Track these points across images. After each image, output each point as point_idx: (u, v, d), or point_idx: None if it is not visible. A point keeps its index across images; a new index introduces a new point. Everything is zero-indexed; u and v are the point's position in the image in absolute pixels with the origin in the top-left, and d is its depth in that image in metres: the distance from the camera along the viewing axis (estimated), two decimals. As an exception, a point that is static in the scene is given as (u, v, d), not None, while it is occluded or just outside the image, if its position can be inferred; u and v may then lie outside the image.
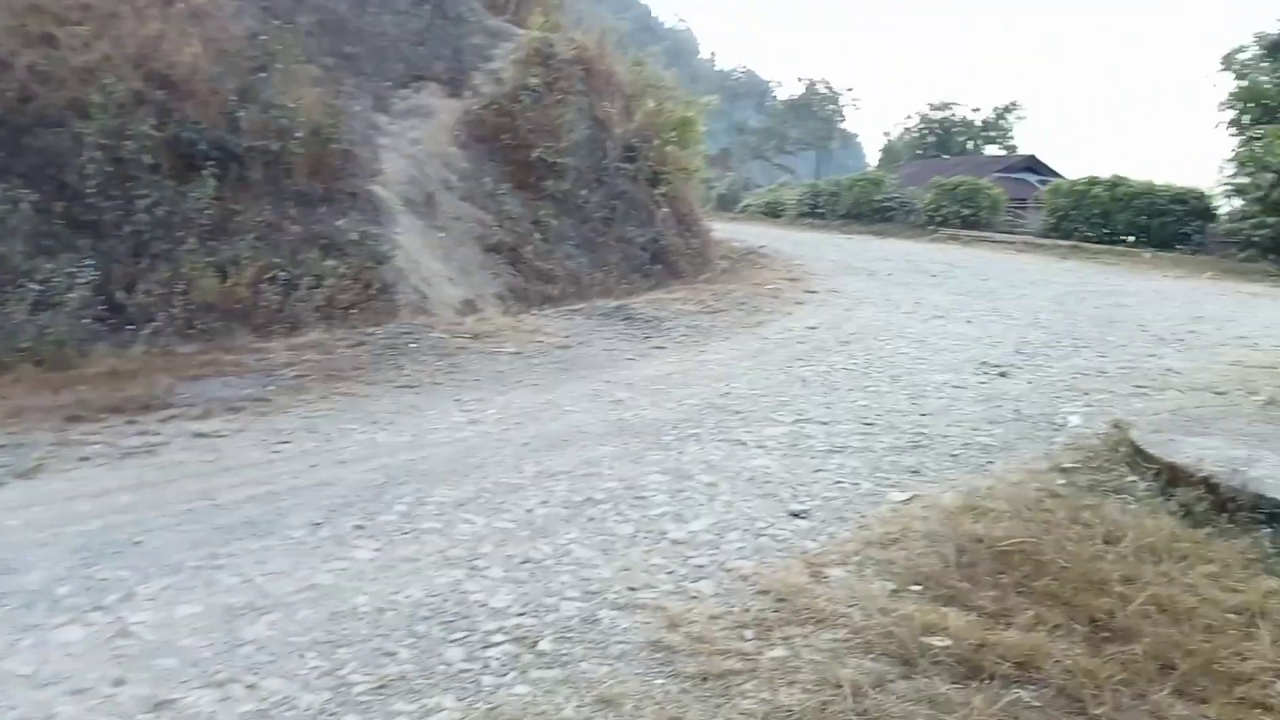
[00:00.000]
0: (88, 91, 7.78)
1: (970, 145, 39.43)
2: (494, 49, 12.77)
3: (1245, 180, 18.58)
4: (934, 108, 39.78)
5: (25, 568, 3.17)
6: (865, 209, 23.87)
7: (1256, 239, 17.30)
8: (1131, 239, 19.50)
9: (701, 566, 3.23)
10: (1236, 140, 20.66)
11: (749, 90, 78.32)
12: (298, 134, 9.25)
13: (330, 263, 8.78)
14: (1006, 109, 39.94)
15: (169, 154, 8.06)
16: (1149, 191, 19.58)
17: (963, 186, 22.46)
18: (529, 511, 3.76)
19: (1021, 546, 3.08)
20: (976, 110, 39.61)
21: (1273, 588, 2.77)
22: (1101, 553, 3.03)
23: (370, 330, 7.76)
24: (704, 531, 3.56)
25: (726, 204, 29.83)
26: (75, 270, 6.74)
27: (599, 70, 13.25)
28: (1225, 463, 3.64)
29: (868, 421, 5.39)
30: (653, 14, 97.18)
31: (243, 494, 3.97)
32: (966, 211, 22.16)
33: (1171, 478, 3.65)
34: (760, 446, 4.78)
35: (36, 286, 6.49)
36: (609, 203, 12.69)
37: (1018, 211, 23.70)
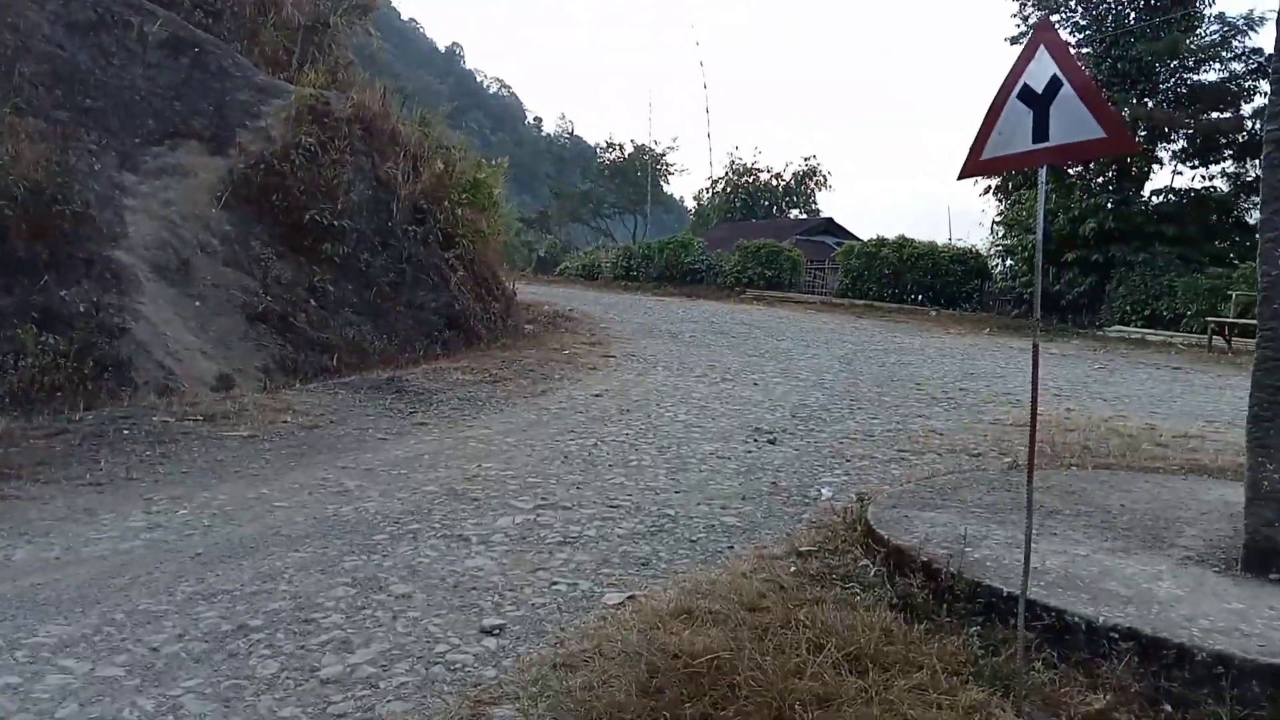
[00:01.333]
0: None
1: (775, 209, 41.05)
2: (263, 105, 11.94)
3: (1012, 241, 19.92)
4: (740, 173, 41.27)
5: None
6: (676, 271, 24.10)
7: (1027, 296, 18.48)
8: (919, 298, 20.45)
9: (340, 717, 2.62)
10: (1004, 203, 22.05)
11: (575, 155, 79.35)
12: (14, 194, 8.20)
13: (47, 338, 7.71)
14: (807, 174, 42.02)
15: None
16: (931, 252, 20.68)
17: (765, 249, 23.08)
18: (153, 650, 3.04)
19: (718, 663, 2.64)
20: (778, 176, 41.45)
21: (976, 701, 2.43)
22: (802, 665, 2.63)
23: (79, 416, 6.74)
24: (367, 664, 2.95)
25: (546, 266, 29.55)
26: None
27: (381, 129, 12.66)
28: (951, 542, 3.38)
29: (615, 503, 4.93)
30: (477, 79, 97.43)
31: None
32: (770, 273, 22.75)
33: (897, 561, 3.35)
34: (484, 542, 4.22)
35: None
36: (396, 267, 12.00)
37: (817, 272, 24.57)
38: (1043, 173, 2.86)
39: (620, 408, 7.98)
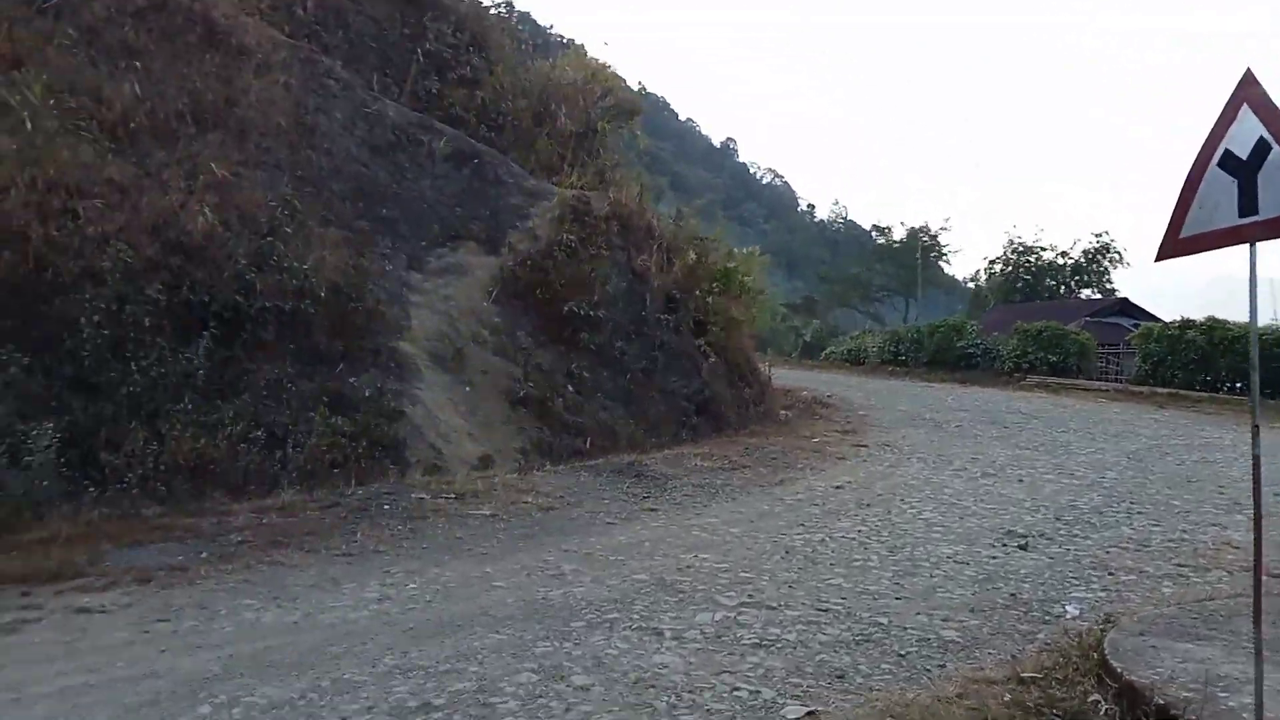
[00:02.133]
0: (100, 259, 8.01)
1: (1061, 289, 37.74)
2: (532, 208, 12.91)
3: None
4: (1020, 251, 38.52)
5: None
6: (948, 356, 22.83)
7: None
8: (1235, 386, 17.82)
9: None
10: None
11: (848, 239, 78.82)
12: (318, 294, 9.34)
13: (336, 420, 8.62)
14: (1100, 250, 38.36)
15: (173, 317, 8.16)
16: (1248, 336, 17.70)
17: (1048, 331, 21.26)
18: (341, 721, 3.18)
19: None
20: (1064, 255, 38.19)
21: None
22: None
23: (351, 491, 7.43)
24: (526, 757, 2.89)
25: (812, 351, 29.21)
26: (48, 430, 6.70)
27: (636, 225, 13.23)
28: (1201, 684, 2.78)
29: (825, 606, 4.61)
30: (751, 171, 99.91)
31: (56, 685, 3.54)
32: (1054, 358, 20.79)
33: (1131, 700, 2.80)
34: (677, 638, 4.08)
35: (3, 447, 6.45)
36: (648, 354, 12.34)
37: (1110, 358, 22.22)
38: (1253, 252, 2.35)
39: (860, 502, 7.56)
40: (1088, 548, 6.01)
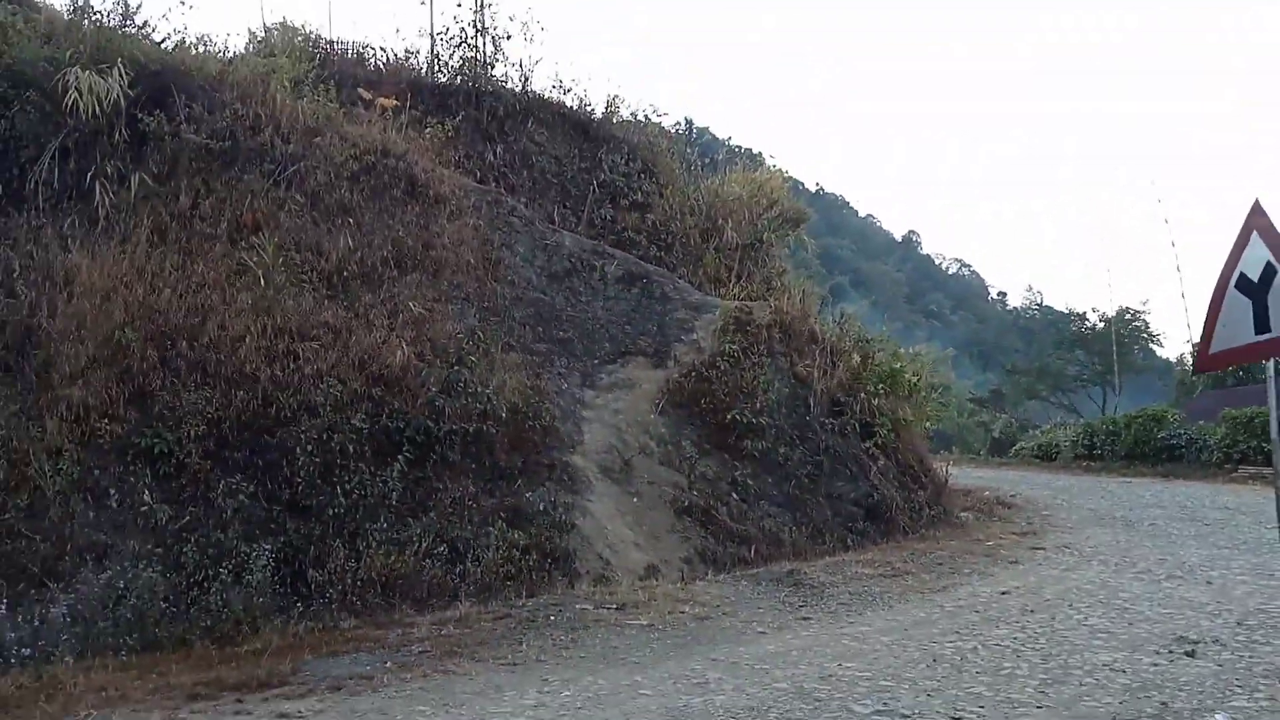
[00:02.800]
0: (315, 394, 9.22)
1: None
2: (695, 321, 13.52)
3: None
4: None
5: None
6: (1147, 448, 21.20)
7: None
8: None
9: None
10: None
11: (1044, 326, 75.15)
12: (500, 414, 10.22)
13: (513, 534, 9.31)
14: None
15: (373, 443, 9.21)
16: None
17: (1259, 418, 19.38)
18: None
19: None
20: None
21: None
22: None
23: (522, 602, 8.02)
24: None
25: (1002, 448, 27.90)
26: (265, 551, 7.71)
27: (799, 331, 13.53)
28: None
29: (959, 715, 4.63)
30: (935, 261, 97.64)
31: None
32: (1268, 447, 18.80)
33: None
34: (798, 747, 4.26)
35: (229, 567, 7.49)
36: (813, 459, 12.44)
37: None
38: (1270, 368, 2.46)
39: (1024, 608, 7.36)
40: (1265, 655, 5.63)
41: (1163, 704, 4.74)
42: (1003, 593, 8.04)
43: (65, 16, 10.67)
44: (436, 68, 17.87)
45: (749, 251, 17.98)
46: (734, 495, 11.55)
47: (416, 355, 10.27)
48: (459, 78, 17.22)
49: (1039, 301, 72.51)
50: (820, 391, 13.03)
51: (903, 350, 14.75)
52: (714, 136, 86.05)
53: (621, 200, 16.97)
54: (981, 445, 29.86)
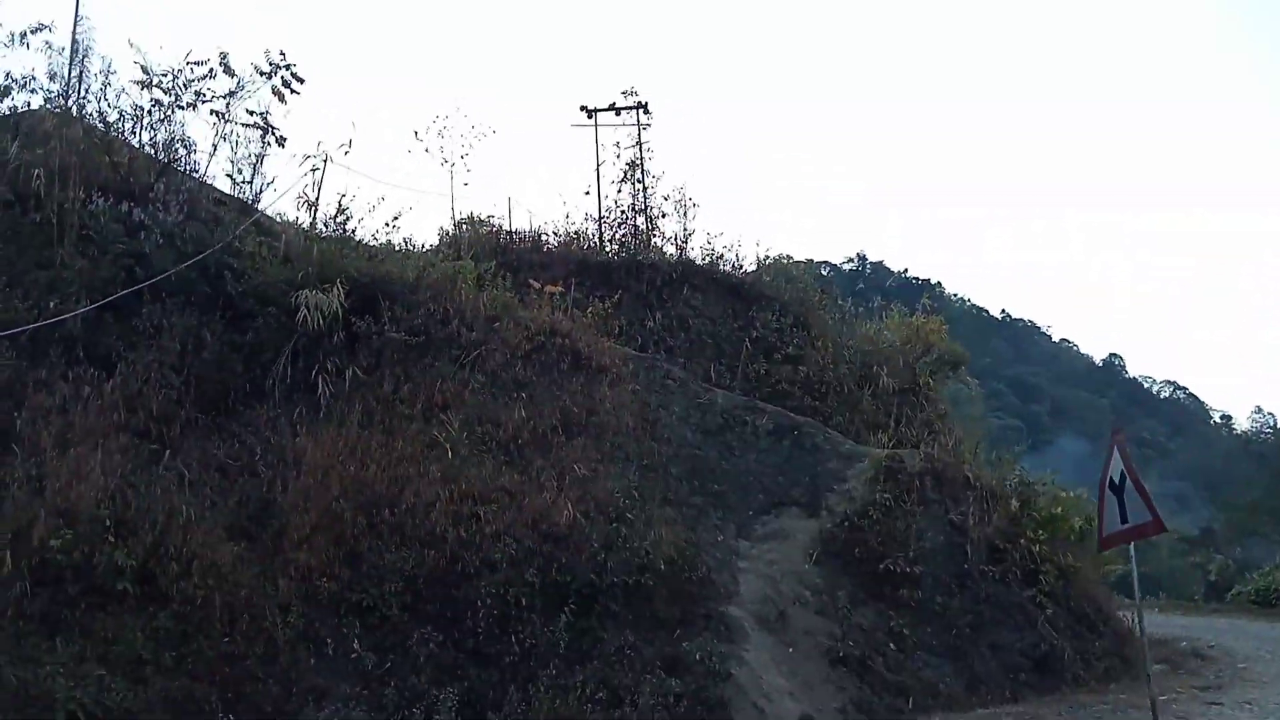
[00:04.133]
0: (494, 552, 10.47)
1: None
2: (848, 470, 14.04)
3: None
4: None
5: None
6: (1388, 595, 19.12)
7: None
8: None
9: None
10: None
11: (1277, 451, 68.35)
12: (658, 567, 11.08)
13: (670, 681, 9.99)
14: None
15: (544, 596, 10.28)
16: None
17: None
18: None
19: None
20: None
21: None
22: None
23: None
24: None
25: (1218, 592, 25.63)
26: (451, 694, 8.81)
27: (952, 477, 13.76)
28: None
29: None
30: (1144, 385, 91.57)
31: None
32: None
33: None
34: None
35: (421, 709, 8.62)
36: (974, 608, 12.47)
37: None
38: (1131, 549, 3.07)
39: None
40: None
41: None
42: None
43: (300, 241, 13.07)
44: (602, 246, 19.95)
45: (906, 397, 18.43)
46: (890, 645, 11.75)
47: (582, 513, 11.37)
48: (620, 254, 19.16)
49: (1273, 424, 66.09)
50: (977, 539, 13.12)
51: (1068, 494, 14.54)
52: (889, 270, 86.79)
53: (775, 354, 18.03)
54: (1197, 590, 27.56)
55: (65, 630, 8.17)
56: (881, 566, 12.28)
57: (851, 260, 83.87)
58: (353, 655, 8.94)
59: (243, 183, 14.13)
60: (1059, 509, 13.67)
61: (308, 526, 9.94)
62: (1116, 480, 3.52)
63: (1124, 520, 3.61)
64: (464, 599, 10.07)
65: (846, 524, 12.90)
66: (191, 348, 11.37)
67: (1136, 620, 4.69)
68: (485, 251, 17.02)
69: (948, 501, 13.53)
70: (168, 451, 10.19)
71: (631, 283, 18.54)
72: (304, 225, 14.25)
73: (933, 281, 79.22)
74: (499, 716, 8.98)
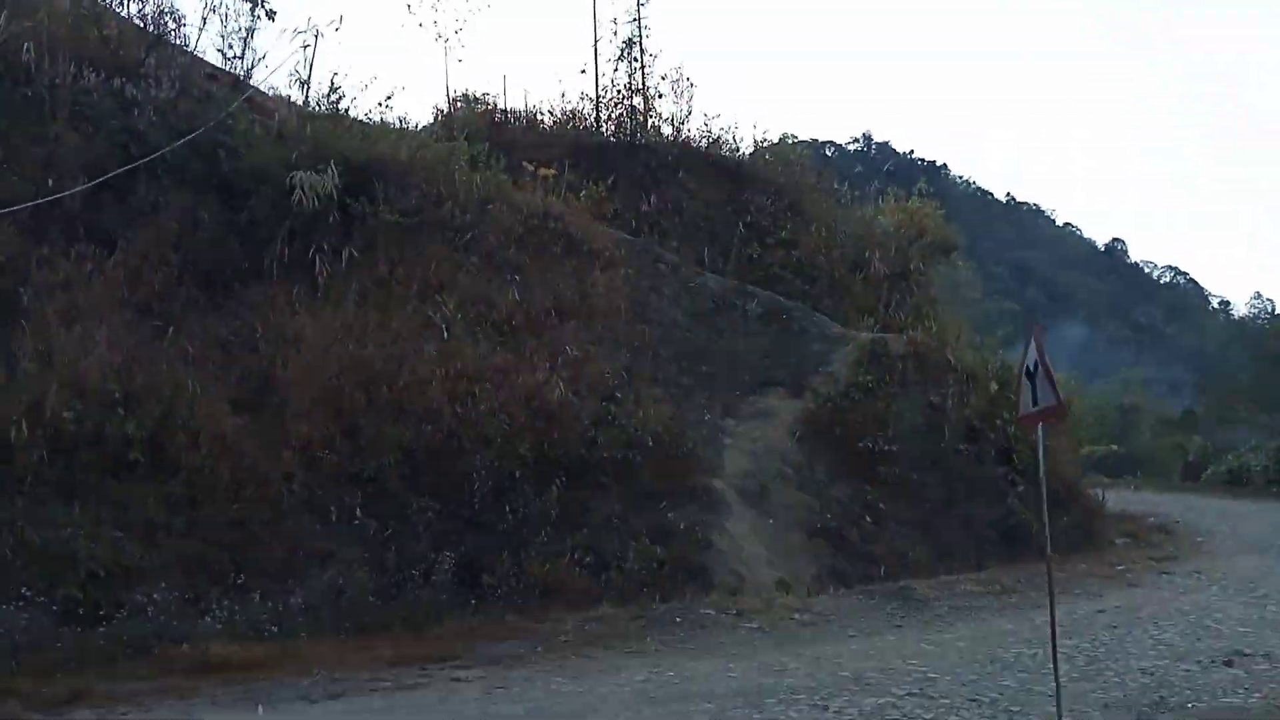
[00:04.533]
0: (488, 428, 10.93)
1: None
2: (832, 354, 14.42)
3: None
4: None
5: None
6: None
7: None
8: None
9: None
10: None
11: (1275, 337, 68.90)
12: (646, 443, 11.58)
13: (655, 549, 10.63)
14: None
15: (536, 470, 10.79)
16: None
17: None
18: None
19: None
20: None
21: None
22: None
23: (655, 607, 9.31)
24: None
25: (1195, 473, 26.53)
26: (448, 558, 9.42)
27: (934, 361, 14.13)
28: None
29: (978, 698, 5.53)
30: (1144, 271, 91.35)
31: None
32: None
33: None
34: (838, 713, 5.32)
35: (421, 570, 9.25)
36: (948, 484, 13.06)
37: None
38: (1040, 429, 3.44)
39: (1109, 624, 7.94)
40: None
41: (1159, 699, 5.42)
42: (1099, 611, 8.58)
43: (293, 119, 13.08)
44: (598, 127, 19.76)
45: (897, 281, 18.65)
46: (865, 518, 12.36)
47: (573, 392, 11.78)
48: (616, 136, 19.03)
49: (1271, 310, 66.15)
50: (955, 419, 13.61)
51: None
52: (894, 150, 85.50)
53: (768, 239, 18.09)
54: (1175, 470, 28.50)
55: (81, 496, 8.67)
56: (860, 444, 12.78)
57: (857, 140, 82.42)
58: (355, 522, 9.49)
59: (234, 58, 13.99)
60: (1035, 392, 14.09)
61: (308, 401, 10.35)
62: (1031, 369, 3.98)
63: (1035, 404, 4.10)
64: (460, 472, 10.55)
65: (829, 404, 13.34)
66: (189, 227, 11.56)
67: (1043, 494, 5.12)
68: (479, 131, 16.89)
69: (929, 384, 13.95)
70: (170, 328, 10.51)
71: (627, 165, 18.42)
72: (297, 103, 14.20)
73: (938, 164, 78.16)
74: (493, 578, 9.59)
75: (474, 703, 6.14)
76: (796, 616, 8.77)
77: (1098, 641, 7.24)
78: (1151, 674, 6.14)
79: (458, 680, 6.78)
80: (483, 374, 11.59)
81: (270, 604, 8.27)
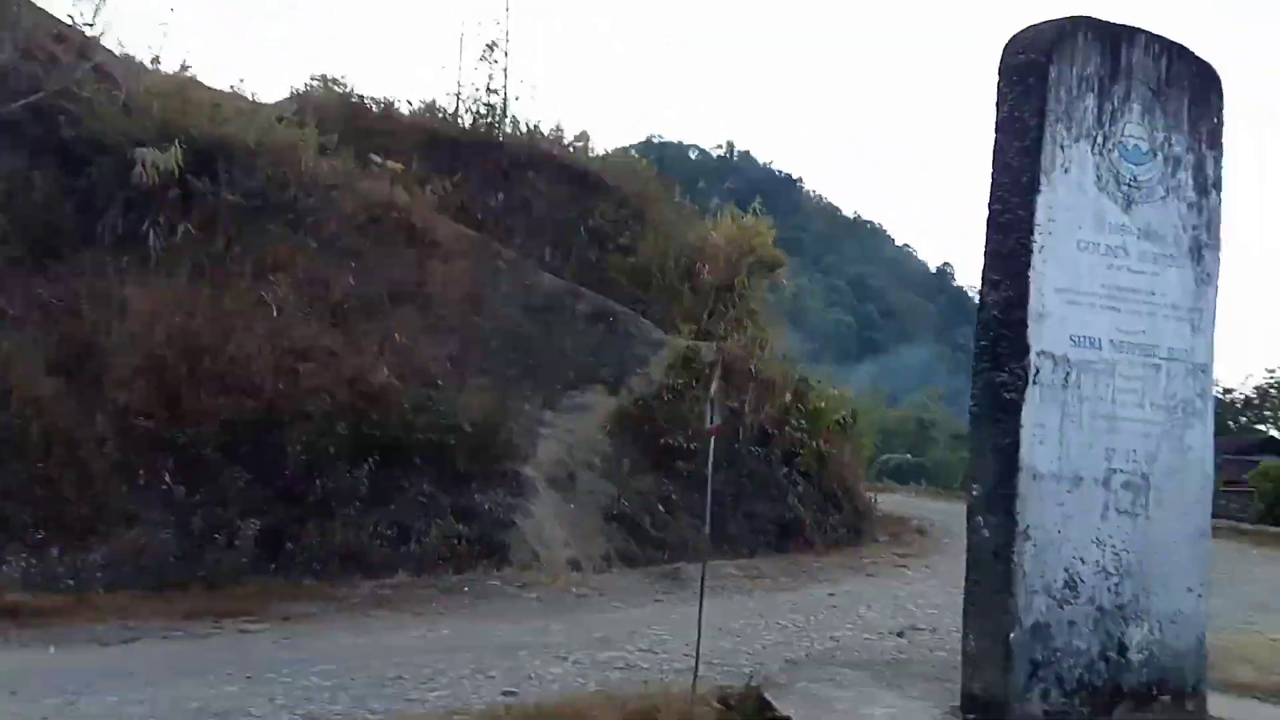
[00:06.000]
0: (309, 405, 11.55)
1: (1230, 423, 35.34)
2: (652, 356, 15.67)
3: None
4: None
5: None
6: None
7: None
8: None
9: None
10: None
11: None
12: (464, 429, 12.44)
13: (460, 526, 11.53)
14: (1274, 386, 35.72)
15: (353, 447, 11.48)
16: None
17: None
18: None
19: None
20: (1228, 391, 35.90)
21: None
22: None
23: (450, 578, 10.25)
24: None
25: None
26: (254, 524, 10.06)
27: (739, 369, 15.58)
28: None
29: (654, 650, 6.80)
30: (968, 293, 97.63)
31: (217, 664, 6.47)
32: None
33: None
34: (539, 658, 6.39)
35: (225, 535, 9.85)
36: (737, 481, 14.51)
37: (1236, 495, 21.31)
38: (711, 444, 4.66)
39: (829, 604, 9.42)
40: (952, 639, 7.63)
41: (832, 657, 6.79)
42: (829, 594, 10.07)
43: (141, 93, 13.26)
44: (455, 122, 20.40)
45: (723, 293, 20.14)
46: (660, 507, 13.66)
47: (398, 376, 12.54)
48: (472, 133, 19.73)
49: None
50: (750, 423, 15.13)
51: (836, 392, 16.72)
52: (755, 161, 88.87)
53: (609, 244, 19.22)
54: (958, 479, 31.58)
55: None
56: (663, 441, 14.08)
57: (720, 147, 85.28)
58: (164, 487, 9.97)
59: (84, 25, 13.94)
60: (824, 404, 15.78)
61: (129, 369, 10.73)
62: (713, 395, 5.27)
63: (711, 421, 5.38)
64: (276, 444, 11.11)
65: (641, 403, 14.57)
66: (21, 188, 11.66)
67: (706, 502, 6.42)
68: (333, 115, 17.28)
69: (732, 390, 15.39)
70: (-10, 287, 10.69)
71: (479, 162, 19.13)
72: (148, 74, 14.28)
73: (794, 177, 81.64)
74: (296, 546, 10.29)
75: (260, 649, 6.92)
76: (574, 590, 9.87)
77: (814, 616, 8.64)
78: (836, 640, 7.54)
79: (246, 632, 7.53)
80: (310, 353, 12.18)
81: (69, 559, 8.74)
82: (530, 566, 11.59)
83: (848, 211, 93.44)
